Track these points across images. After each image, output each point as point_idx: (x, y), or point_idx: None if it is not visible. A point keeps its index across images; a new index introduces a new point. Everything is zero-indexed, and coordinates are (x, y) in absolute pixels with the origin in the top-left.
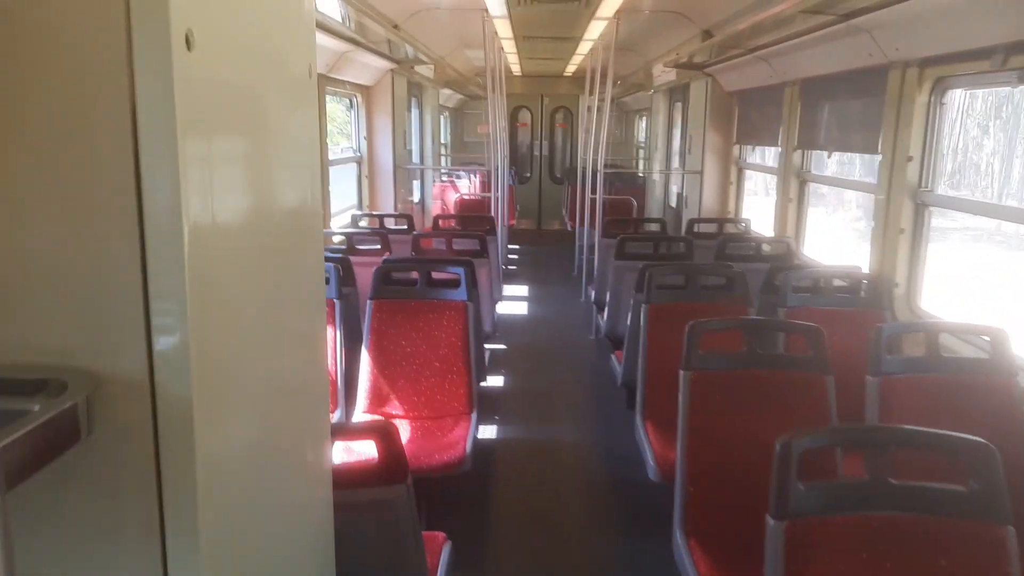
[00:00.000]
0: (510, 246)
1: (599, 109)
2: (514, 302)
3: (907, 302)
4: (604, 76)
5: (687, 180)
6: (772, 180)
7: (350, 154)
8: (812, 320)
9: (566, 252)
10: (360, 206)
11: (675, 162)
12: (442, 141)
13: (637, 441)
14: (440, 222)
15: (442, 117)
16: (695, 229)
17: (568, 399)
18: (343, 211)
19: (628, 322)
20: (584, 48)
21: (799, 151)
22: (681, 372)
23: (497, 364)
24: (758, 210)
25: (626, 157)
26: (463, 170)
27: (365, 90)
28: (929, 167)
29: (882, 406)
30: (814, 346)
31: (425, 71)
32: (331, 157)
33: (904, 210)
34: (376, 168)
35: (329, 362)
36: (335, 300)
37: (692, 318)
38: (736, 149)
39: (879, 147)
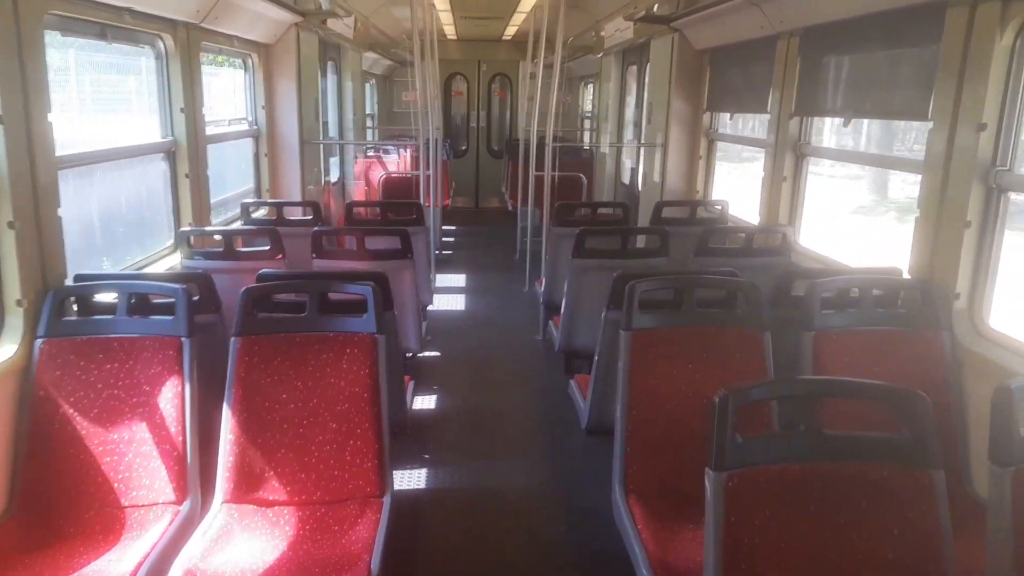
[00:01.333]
0: (445, 227)
1: (548, 73)
2: (449, 295)
3: (970, 319)
4: (552, 36)
5: (645, 154)
6: (745, 155)
7: (243, 127)
8: (854, 346)
9: (507, 233)
10: (257, 192)
11: (628, 133)
12: (367, 112)
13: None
14: (355, 210)
15: (368, 85)
16: (663, 215)
17: (516, 430)
18: (235, 198)
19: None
20: (526, 5)
21: (796, 118)
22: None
23: (426, 379)
24: (726, 189)
25: (570, 128)
26: (391, 145)
27: (262, 49)
28: (1010, 139)
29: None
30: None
31: (342, 29)
32: (213, 131)
33: (973, 196)
34: (278, 144)
35: (173, 428)
36: (182, 339)
37: (693, 349)
38: (707, 118)
39: (930, 112)
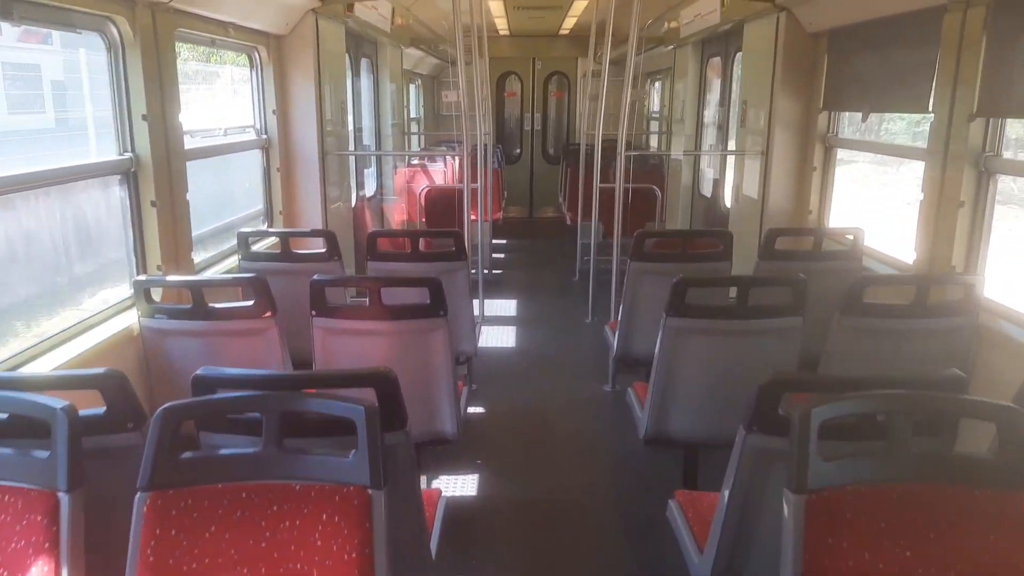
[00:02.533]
0: (495, 241)
1: (612, 70)
2: (498, 328)
3: None
4: (620, 24)
5: (735, 163)
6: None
7: (249, 136)
8: None
9: (564, 249)
10: (267, 215)
11: (708, 137)
12: (412, 116)
13: None
14: (378, 242)
15: (412, 86)
16: (775, 245)
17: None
18: (243, 220)
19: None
20: None
21: (977, 119)
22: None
23: (473, 442)
24: (847, 209)
25: (634, 131)
26: (437, 152)
27: (271, 41)
28: None
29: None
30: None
31: (376, 20)
32: (204, 142)
33: None
34: (293, 156)
35: None
36: (60, 493)
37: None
38: (823, 119)
39: None
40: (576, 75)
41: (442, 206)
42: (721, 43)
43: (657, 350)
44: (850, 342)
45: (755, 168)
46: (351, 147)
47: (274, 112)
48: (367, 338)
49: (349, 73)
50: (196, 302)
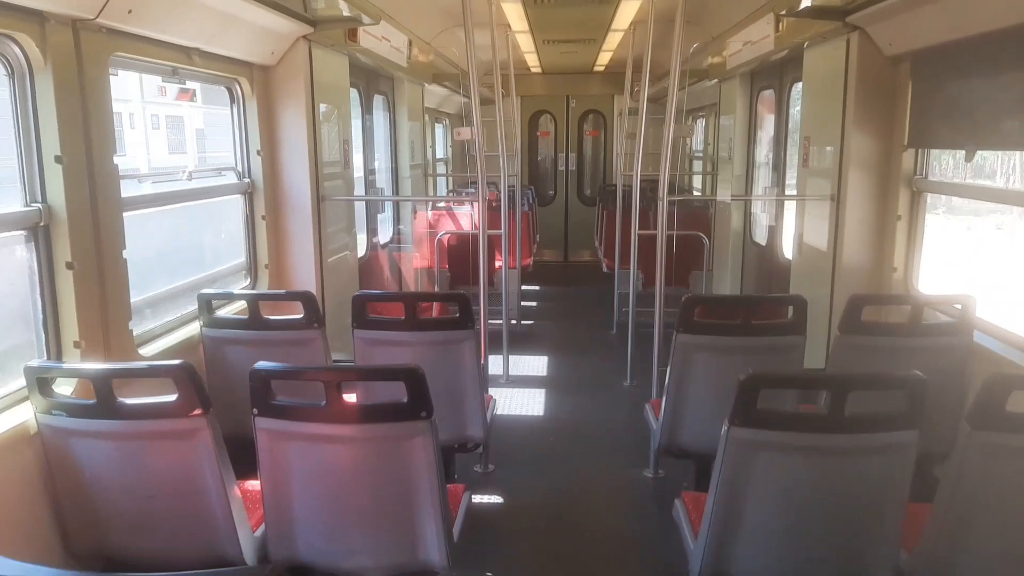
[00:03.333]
0: (526, 287)
1: (650, 108)
2: (524, 391)
3: None
4: (659, 57)
5: (798, 209)
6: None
7: (230, 179)
8: None
9: (600, 298)
10: (250, 270)
11: (762, 178)
12: (439, 156)
13: None
14: (368, 307)
15: (440, 126)
16: (861, 316)
17: None
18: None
19: None
20: (623, 20)
21: None
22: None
23: (484, 545)
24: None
25: (675, 172)
26: (453, 200)
27: (256, 72)
28: None
29: None
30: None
31: (390, 53)
32: (162, 187)
33: None
34: (282, 202)
35: None
36: None
37: None
38: (909, 158)
39: None
40: (612, 113)
41: (465, 253)
42: (774, 74)
43: (718, 472)
44: (989, 465)
45: (823, 214)
46: (359, 191)
47: (259, 153)
48: (325, 446)
49: (360, 110)
50: (101, 397)
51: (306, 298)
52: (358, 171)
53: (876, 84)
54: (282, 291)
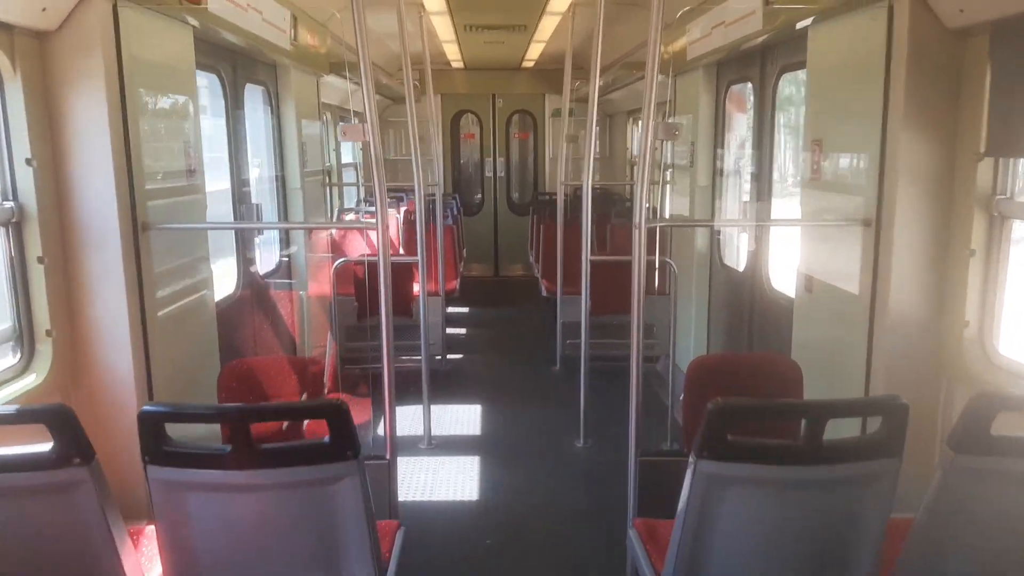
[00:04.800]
0: (453, 310)
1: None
2: (452, 459)
3: None
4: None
5: (805, 233)
6: None
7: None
8: None
9: (537, 321)
10: (21, 338)
11: (732, 191)
12: (347, 161)
13: None
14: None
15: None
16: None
17: None
18: None
19: None
20: (561, 2)
21: None
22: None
23: None
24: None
25: (612, 182)
26: (344, 226)
27: (21, 42)
28: None
29: None
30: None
31: (260, 27)
32: None
33: None
34: (73, 235)
35: None
36: None
37: None
38: (986, 171)
39: None
40: (544, 114)
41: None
42: (751, 63)
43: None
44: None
45: (849, 242)
46: (220, 210)
47: (29, 162)
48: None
49: (226, 103)
50: None
51: (57, 418)
52: (220, 183)
53: (934, 68)
54: (12, 409)
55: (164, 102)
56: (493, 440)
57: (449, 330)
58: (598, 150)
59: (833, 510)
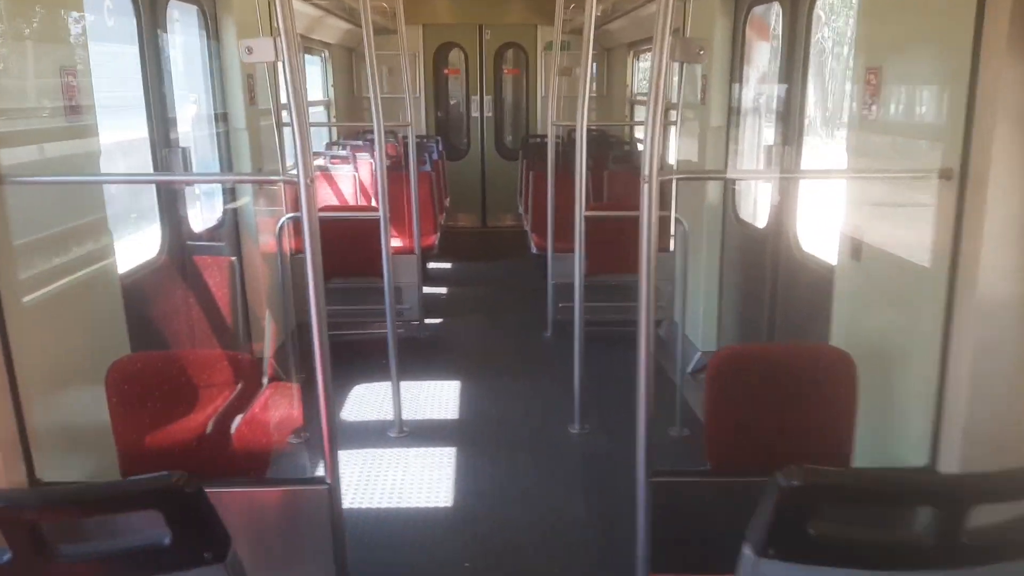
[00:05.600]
0: (433, 266)
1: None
2: (427, 450)
3: None
4: None
5: (850, 186)
6: None
7: None
8: None
9: (527, 276)
10: None
11: (749, 131)
12: (321, 98)
13: None
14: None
15: (320, 59)
16: None
17: None
18: None
19: None
20: None
21: None
22: None
23: None
24: None
25: (607, 121)
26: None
27: None
28: None
29: None
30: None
31: None
32: None
33: None
34: None
35: None
36: None
37: None
38: None
39: None
40: (536, 48)
41: (346, 232)
42: None
43: None
44: None
45: (917, 199)
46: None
47: None
48: None
49: (138, 24)
50: None
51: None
52: (130, 127)
53: None
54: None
55: (31, 16)
56: (474, 428)
57: (428, 289)
58: (594, 88)
59: None
